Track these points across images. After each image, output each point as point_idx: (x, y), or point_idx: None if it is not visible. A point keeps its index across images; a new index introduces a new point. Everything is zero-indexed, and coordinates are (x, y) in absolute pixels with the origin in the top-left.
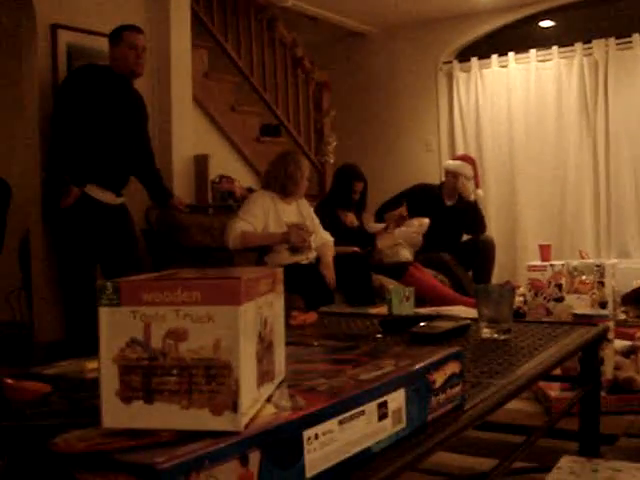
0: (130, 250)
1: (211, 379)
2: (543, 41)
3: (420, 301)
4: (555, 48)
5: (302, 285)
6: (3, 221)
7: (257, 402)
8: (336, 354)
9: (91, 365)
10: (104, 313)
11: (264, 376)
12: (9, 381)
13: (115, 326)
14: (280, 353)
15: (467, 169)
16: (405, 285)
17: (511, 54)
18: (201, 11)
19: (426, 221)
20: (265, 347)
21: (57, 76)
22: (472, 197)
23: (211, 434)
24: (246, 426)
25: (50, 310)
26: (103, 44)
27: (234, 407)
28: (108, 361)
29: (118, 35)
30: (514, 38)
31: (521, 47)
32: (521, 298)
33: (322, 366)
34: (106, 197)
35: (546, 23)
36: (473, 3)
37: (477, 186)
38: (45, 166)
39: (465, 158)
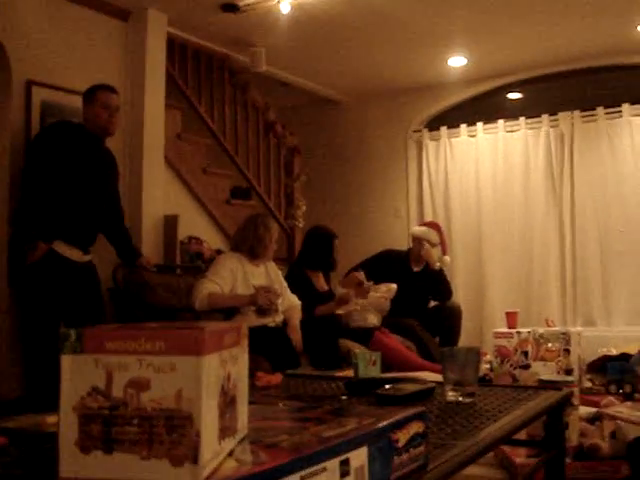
0: (95, 308)
1: (172, 430)
2: (511, 112)
3: (386, 366)
4: (522, 119)
5: (268, 347)
6: None
7: (218, 455)
8: (300, 413)
9: (50, 420)
10: (66, 360)
11: (226, 430)
12: None
13: (77, 374)
14: (243, 410)
15: (432, 235)
16: (372, 350)
17: (479, 124)
18: (175, 73)
19: (394, 286)
20: (228, 401)
21: (30, 132)
22: (437, 264)
23: None
24: (206, 479)
25: (11, 370)
26: (77, 101)
27: (194, 459)
28: (68, 409)
29: (92, 94)
30: (483, 108)
31: (489, 117)
32: (487, 365)
33: (285, 423)
34: (73, 254)
35: (514, 95)
36: (443, 74)
37: (444, 252)
38: (12, 221)
39: (431, 224)
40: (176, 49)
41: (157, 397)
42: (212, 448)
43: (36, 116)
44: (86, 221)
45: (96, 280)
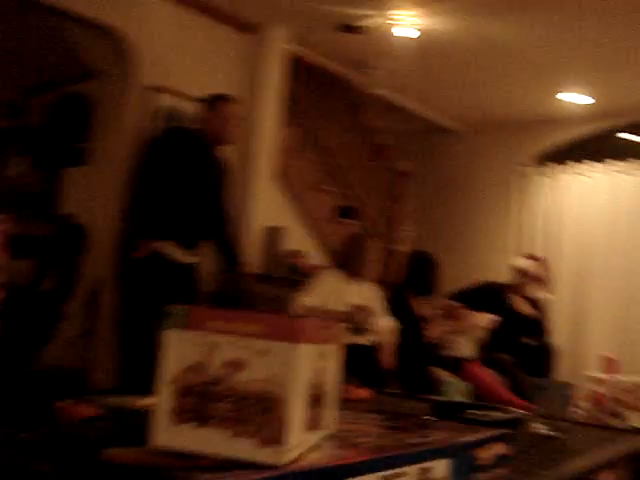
0: None
1: (262, 411)
2: (622, 152)
3: (475, 399)
4: (633, 161)
5: (359, 366)
6: (76, 267)
7: (303, 444)
8: (387, 421)
9: (141, 401)
10: (170, 335)
11: (312, 422)
12: (60, 404)
13: (178, 348)
14: (331, 408)
15: (536, 268)
16: (462, 380)
17: (588, 162)
18: (291, 90)
19: (492, 318)
20: (317, 394)
21: (150, 134)
22: (540, 297)
23: (253, 466)
24: (289, 464)
25: (109, 359)
26: (196, 108)
27: (280, 441)
28: (167, 381)
29: (217, 103)
30: (596, 147)
31: (599, 157)
32: (580, 410)
33: (371, 429)
34: (177, 255)
35: (626, 135)
36: (557, 110)
37: (545, 288)
38: (123, 217)
39: (534, 258)
40: (293, 66)
41: (251, 378)
42: (298, 435)
43: (157, 119)
44: (191, 224)
45: (197, 282)
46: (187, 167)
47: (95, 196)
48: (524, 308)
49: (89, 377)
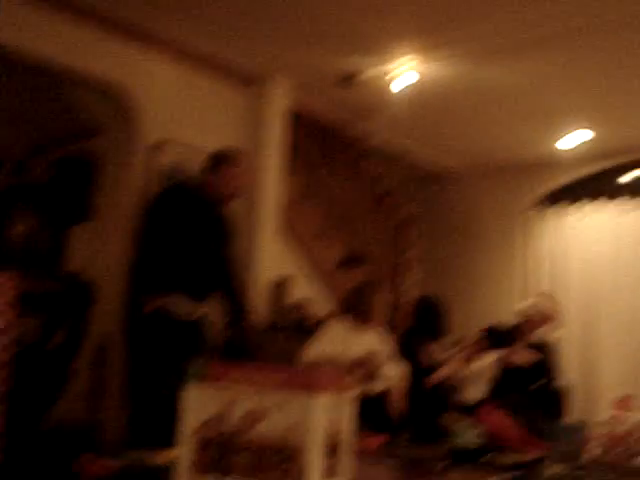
0: None
1: (281, 460)
2: (623, 192)
3: (490, 442)
4: (635, 200)
5: (370, 414)
6: (84, 325)
7: None
8: (403, 469)
9: (161, 456)
10: (190, 388)
11: (330, 470)
12: (80, 462)
13: (199, 401)
14: (347, 454)
15: (541, 308)
16: (476, 424)
17: (591, 203)
18: (293, 141)
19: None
20: (333, 443)
21: (154, 189)
22: (547, 338)
23: None
24: None
25: (119, 414)
26: (201, 162)
27: None
28: (189, 433)
29: (229, 158)
30: (595, 187)
31: (601, 196)
32: (595, 451)
33: (387, 476)
34: (184, 310)
35: (627, 175)
36: (557, 152)
37: (553, 328)
38: (129, 274)
39: (539, 296)
40: (296, 118)
41: (270, 429)
42: None
43: (161, 174)
44: (198, 280)
45: (205, 336)
46: (191, 224)
47: (101, 253)
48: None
49: (100, 433)
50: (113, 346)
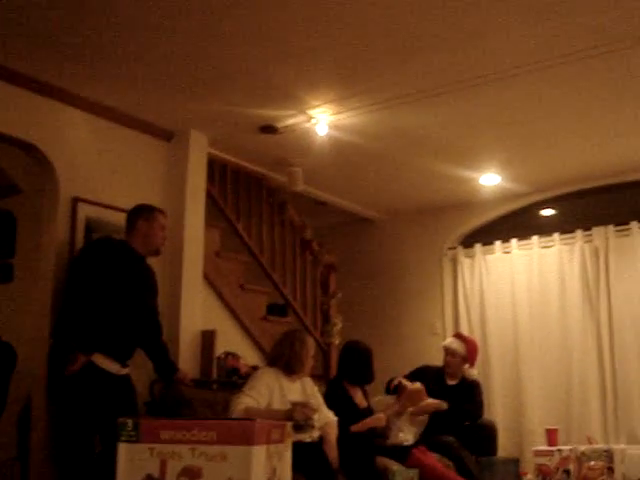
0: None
1: None
2: (545, 228)
3: None
4: (556, 235)
5: (305, 464)
6: (5, 387)
7: None
8: None
9: None
10: (123, 449)
11: None
12: None
13: (132, 462)
14: None
15: (457, 345)
16: (409, 467)
17: (514, 240)
18: (215, 192)
19: (440, 402)
20: None
21: (74, 246)
22: (466, 375)
23: None
24: None
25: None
26: (121, 218)
27: None
28: None
29: (151, 214)
30: (517, 225)
31: (524, 234)
32: None
33: None
34: (111, 367)
35: (547, 211)
36: (477, 192)
37: (470, 365)
38: (53, 332)
39: (457, 336)
40: (216, 169)
41: None
42: None
43: (80, 232)
44: (125, 335)
45: (132, 393)
46: (115, 278)
47: (21, 313)
48: (460, 387)
49: None
50: (36, 409)
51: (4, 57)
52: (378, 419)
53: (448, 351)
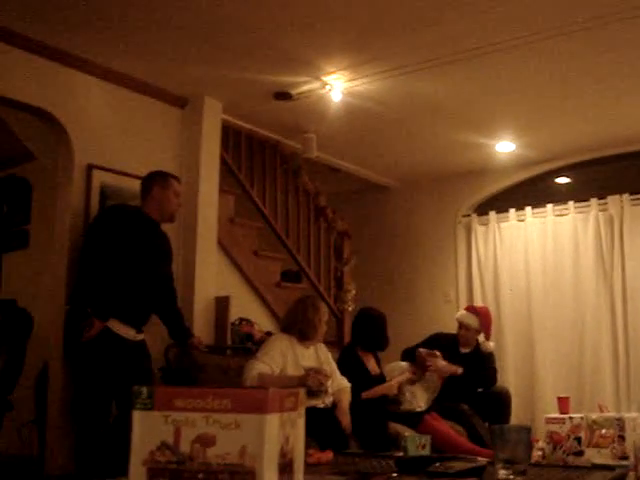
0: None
1: None
2: (559, 196)
3: (436, 451)
4: (571, 203)
5: (317, 429)
6: (22, 352)
7: None
8: None
9: None
10: (137, 416)
11: None
12: None
13: (147, 429)
14: (299, 472)
15: (471, 319)
16: (421, 433)
17: (528, 208)
18: (229, 158)
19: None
20: (286, 462)
21: (89, 214)
22: (481, 347)
23: None
24: None
25: (62, 444)
26: (135, 185)
27: None
28: (138, 463)
29: (166, 180)
30: (531, 193)
31: (538, 202)
32: (540, 452)
33: None
34: (127, 333)
35: (562, 179)
36: (492, 159)
37: (486, 337)
38: (69, 299)
39: (470, 309)
40: (230, 135)
41: (222, 452)
42: None
43: (95, 199)
44: (140, 301)
45: (148, 359)
46: (130, 244)
47: (37, 279)
48: (474, 356)
49: (44, 463)
50: (53, 374)
51: (17, 23)
52: (389, 387)
53: (462, 325)
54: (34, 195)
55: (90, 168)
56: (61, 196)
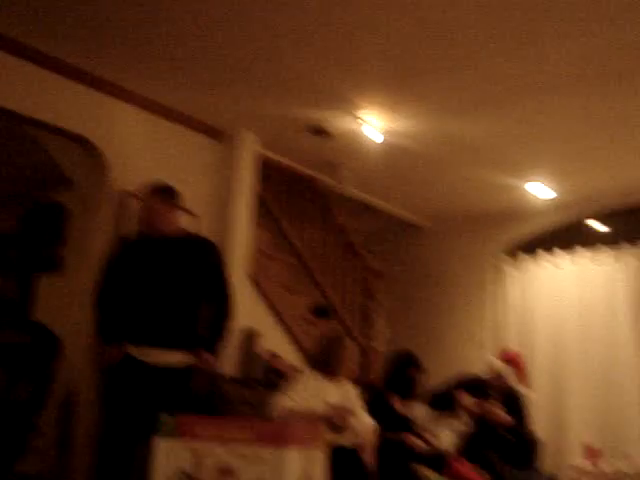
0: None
1: None
2: (594, 241)
3: None
4: (605, 249)
5: (341, 468)
6: (50, 375)
7: None
8: None
9: None
10: (160, 443)
11: None
12: None
13: (169, 456)
14: None
15: (503, 368)
16: (446, 478)
17: (562, 252)
18: (263, 192)
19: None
20: None
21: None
22: (514, 392)
23: None
24: None
25: (85, 468)
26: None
27: None
28: None
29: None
30: (565, 237)
31: (571, 246)
32: None
33: None
34: (150, 356)
35: (597, 224)
36: (526, 202)
37: (523, 385)
38: (95, 323)
39: (503, 354)
40: (265, 169)
41: None
42: None
43: (129, 225)
44: (157, 319)
45: (172, 385)
46: (136, 264)
47: (69, 303)
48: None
49: None
50: (80, 399)
51: (63, 52)
52: (418, 445)
53: (494, 372)
54: (69, 219)
55: (125, 195)
56: (96, 221)
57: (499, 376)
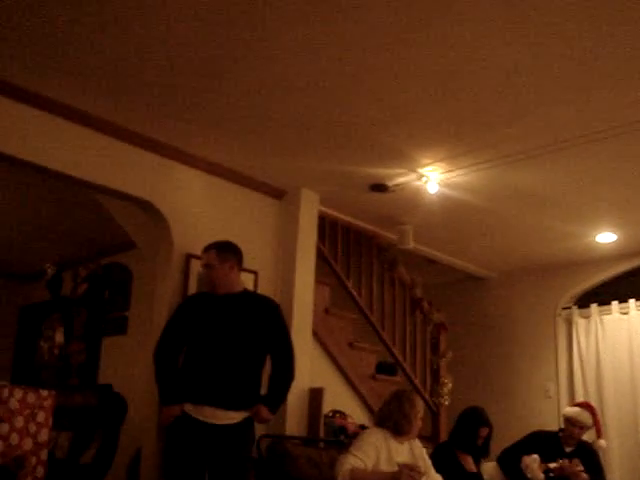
0: (232, 473)
1: None
2: None
3: None
4: None
5: None
6: (116, 436)
7: None
8: None
9: None
10: None
11: None
12: None
13: None
14: None
15: (585, 417)
16: None
17: (632, 301)
18: (325, 249)
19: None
20: None
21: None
22: (592, 445)
23: None
24: None
25: None
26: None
27: None
28: None
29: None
30: (635, 284)
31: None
32: None
33: None
34: (206, 415)
35: None
36: (592, 250)
37: (599, 435)
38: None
39: (584, 405)
40: (326, 226)
41: None
42: None
43: (193, 287)
44: (220, 380)
45: (234, 444)
46: (196, 323)
47: (134, 365)
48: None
49: None
50: (146, 459)
51: (124, 118)
52: None
53: (575, 423)
54: (134, 282)
55: (189, 257)
56: (159, 284)
57: (574, 429)
